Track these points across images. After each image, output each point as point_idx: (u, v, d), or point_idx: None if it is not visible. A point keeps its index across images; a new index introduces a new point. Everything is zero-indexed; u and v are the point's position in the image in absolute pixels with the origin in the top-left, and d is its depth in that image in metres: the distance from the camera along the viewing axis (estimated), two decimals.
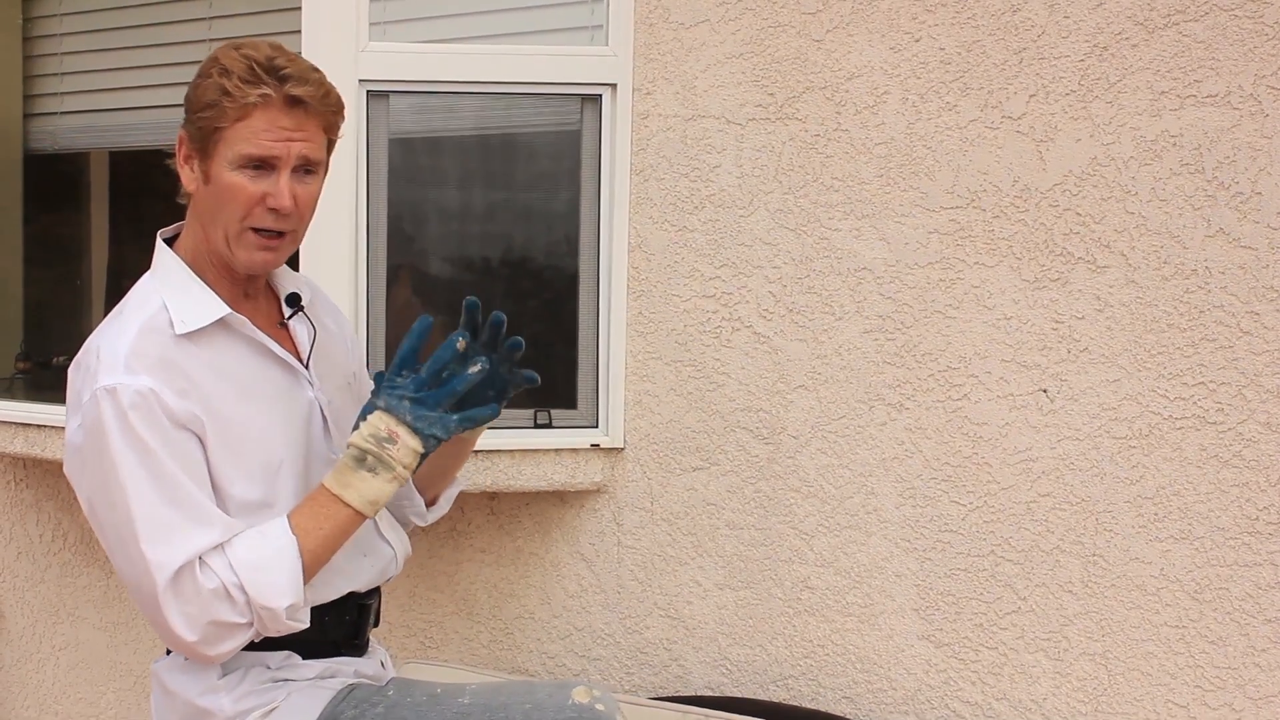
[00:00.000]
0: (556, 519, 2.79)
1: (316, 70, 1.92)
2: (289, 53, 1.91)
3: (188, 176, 1.94)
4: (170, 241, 2.02)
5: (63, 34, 3.22)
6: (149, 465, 1.81)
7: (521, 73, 2.67)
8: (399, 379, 1.90)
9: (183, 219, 2.00)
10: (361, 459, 1.88)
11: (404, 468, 1.89)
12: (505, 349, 2.06)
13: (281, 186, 1.88)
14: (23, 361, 3.31)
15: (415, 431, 1.89)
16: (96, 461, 1.83)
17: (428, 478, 2.23)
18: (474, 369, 1.92)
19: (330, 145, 1.99)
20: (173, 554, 1.79)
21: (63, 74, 3.25)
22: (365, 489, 1.88)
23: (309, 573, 1.87)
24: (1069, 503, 2.37)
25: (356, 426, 1.90)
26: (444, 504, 2.31)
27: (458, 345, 1.91)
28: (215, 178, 1.89)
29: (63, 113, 3.26)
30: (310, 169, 1.93)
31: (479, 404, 2.03)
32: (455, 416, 1.91)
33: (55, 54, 3.25)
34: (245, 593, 1.81)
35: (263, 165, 1.88)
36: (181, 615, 1.80)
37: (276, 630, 1.86)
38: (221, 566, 1.81)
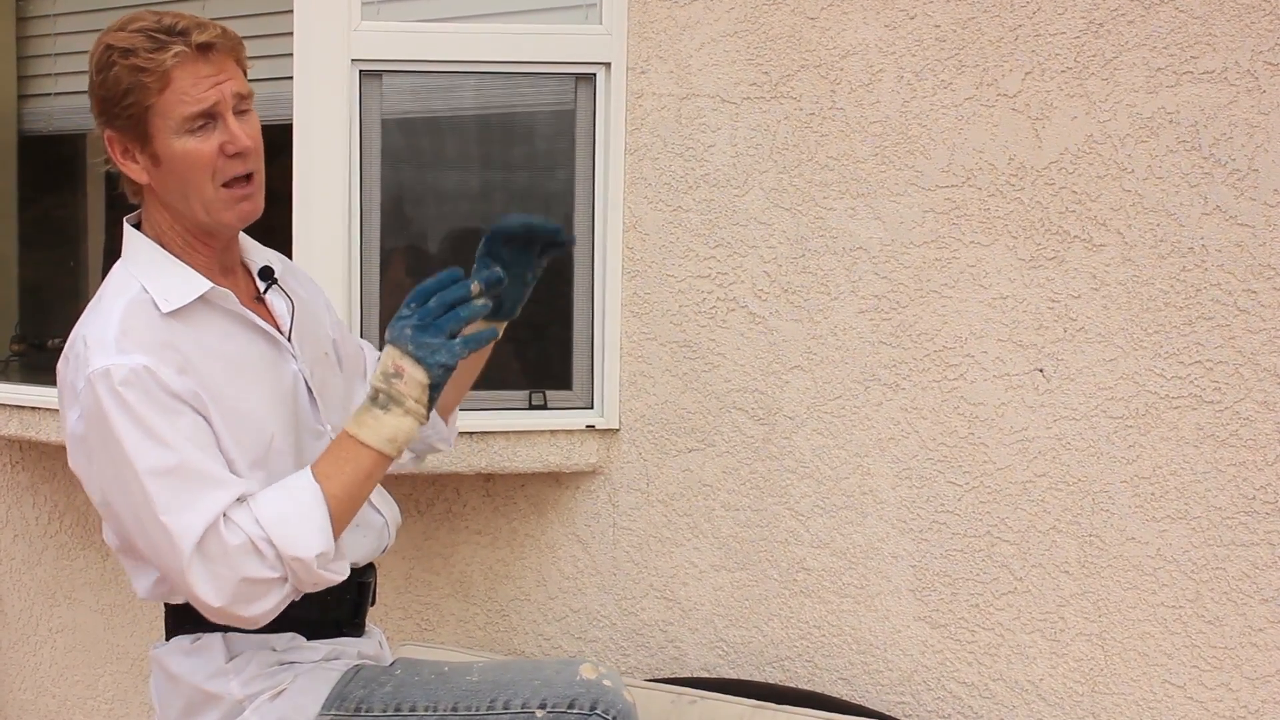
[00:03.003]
0: (552, 500, 2.79)
1: (202, 18, 1.95)
2: (168, 11, 1.93)
3: (134, 170, 1.93)
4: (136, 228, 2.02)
5: (57, 14, 3.21)
6: (154, 438, 1.79)
7: (515, 52, 2.65)
8: (405, 311, 1.90)
9: None
10: (375, 397, 1.87)
11: (415, 401, 1.88)
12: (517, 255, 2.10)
13: (234, 130, 1.90)
14: (18, 344, 3.31)
15: (419, 361, 1.87)
16: (102, 448, 1.82)
17: (450, 404, 2.29)
18: (480, 302, 1.92)
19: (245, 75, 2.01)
20: (194, 519, 1.78)
21: (57, 55, 3.24)
22: (380, 428, 1.87)
23: (339, 520, 1.86)
24: (1065, 483, 2.36)
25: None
26: (453, 424, 2.35)
27: (471, 288, 1.90)
28: (165, 154, 1.90)
29: (57, 94, 3.25)
30: (245, 106, 1.95)
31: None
32: (458, 341, 1.89)
33: (49, 34, 3.24)
34: (274, 546, 1.79)
35: (206, 120, 1.89)
36: (210, 579, 1.78)
37: (313, 583, 1.85)
38: (247, 521, 1.80)
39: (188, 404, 1.84)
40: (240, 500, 1.82)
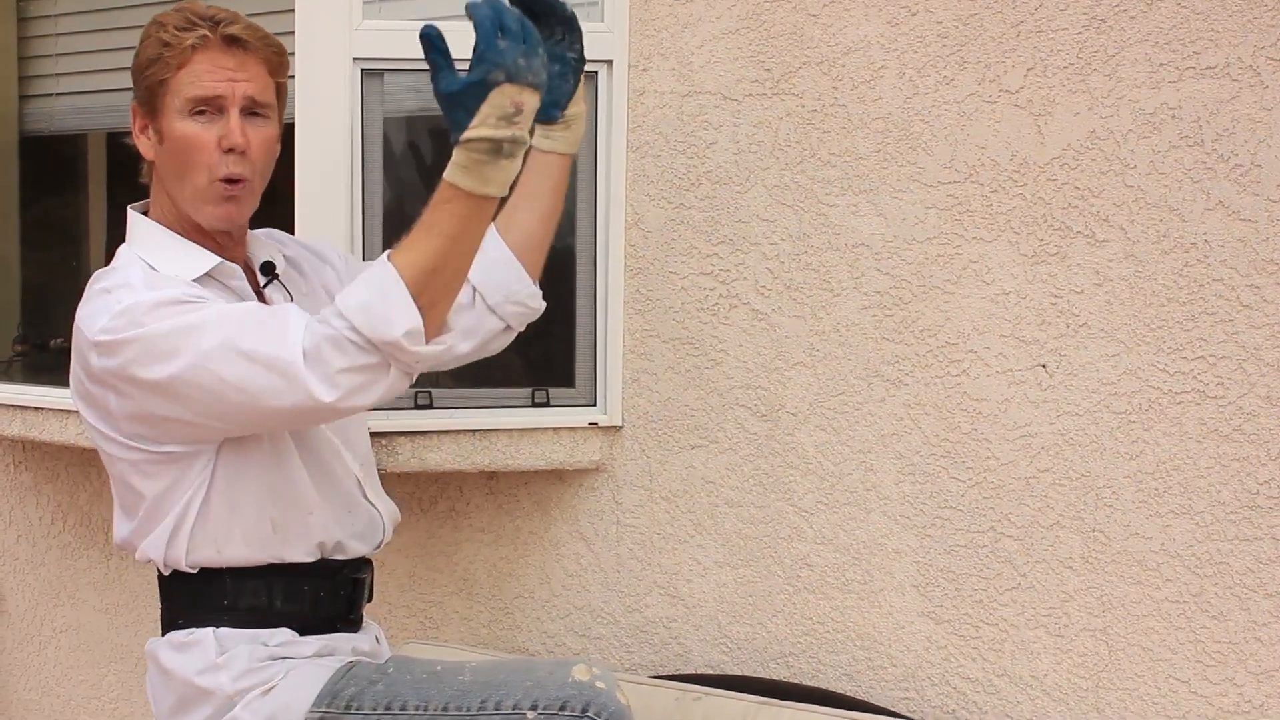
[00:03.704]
0: (555, 498, 2.79)
1: (254, 20, 1.96)
2: (226, 9, 1.95)
3: (145, 145, 1.99)
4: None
5: (58, 14, 3.21)
6: (206, 314, 1.80)
7: None
8: (498, 44, 1.72)
9: None
10: (497, 149, 1.75)
11: (528, 132, 1.78)
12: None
13: (232, 125, 1.92)
14: (20, 344, 3.31)
15: (536, 88, 1.76)
16: (158, 362, 1.80)
17: (535, 237, 2.25)
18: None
19: (280, 92, 2.01)
20: (283, 347, 1.76)
21: (58, 55, 3.23)
22: (506, 176, 1.78)
23: (435, 289, 1.78)
24: (1069, 478, 2.36)
25: (461, 124, 1.73)
26: (538, 279, 2.30)
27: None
28: (168, 133, 1.93)
29: (59, 94, 3.25)
30: (259, 112, 1.96)
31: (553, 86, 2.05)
32: (539, 54, 1.78)
33: (51, 35, 3.24)
34: (360, 333, 1.74)
35: (210, 107, 1.91)
36: (322, 380, 1.76)
37: (417, 361, 1.79)
38: (332, 316, 1.76)
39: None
40: (308, 320, 1.79)
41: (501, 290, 2.23)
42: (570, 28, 2.13)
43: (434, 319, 1.79)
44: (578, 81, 2.17)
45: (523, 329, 2.33)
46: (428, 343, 1.78)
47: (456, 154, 1.75)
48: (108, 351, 1.83)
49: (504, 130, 1.73)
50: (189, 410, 1.84)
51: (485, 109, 1.72)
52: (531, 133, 1.81)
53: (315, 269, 2.23)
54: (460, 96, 1.73)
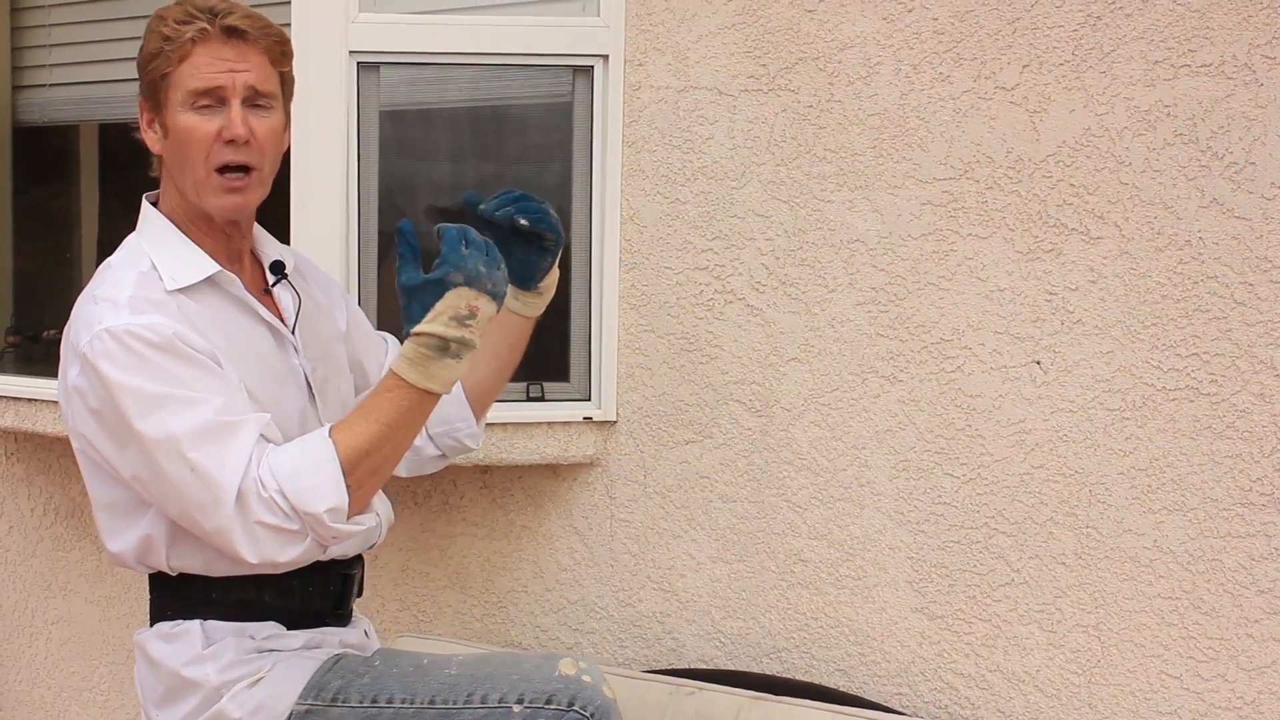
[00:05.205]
0: (549, 492, 2.79)
1: (254, 9, 1.95)
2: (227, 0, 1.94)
3: (151, 139, 1.99)
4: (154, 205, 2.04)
5: (51, 4, 3.20)
6: (177, 394, 1.80)
7: (513, 44, 2.65)
8: (462, 250, 1.84)
9: None
10: (444, 348, 1.83)
11: (480, 338, 1.86)
12: (503, 223, 2.12)
13: (234, 116, 1.91)
14: (13, 335, 3.30)
15: (494, 297, 1.86)
16: (120, 411, 1.81)
17: (485, 385, 2.29)
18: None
19: (285, 81, 2.01)
20: (229, 476, 1.78)
21: (51, 45, 3.22)
22: (450, 375, 1.86)
23: (367, 472, 1.84)
24: (1062, 475, 2.37)
25: (415, 318, 1.83)
26: (484, 421, 2.35)
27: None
28: (172, 126, 1.93)
29: (51, 85, 3.23)
30: (263, 102, 1.96)
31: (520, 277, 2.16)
32: (501, 271, 1.90)
33: (44, 25, 3.23)
34: (287, 499, 1.79)
35: (212, 100, 1.91)
36: (246, 535, 1.79)
37: (332, 537, 1.84)
38: (265, 475, 1.79)
39: (205, 355, 1.85)
40: (258, 443, 1.82)
41: (445, 423, 2.29)
42: (555, 231, 2.18)
43: (360, 499, 1.85)
44: (554, 260, 2.23)
45: (455, 460, 2.41)
46: (348, 520, 1.84)
47: (405, 346, 1.85)
48: (80, 372, 1.85)
49: (454, 330, 1.83)
50: (124, 466, 1.86)
51: (440, 306, 1.83)
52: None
53: (331, 297, 2.24)
54: (419, 291, 1.83)
